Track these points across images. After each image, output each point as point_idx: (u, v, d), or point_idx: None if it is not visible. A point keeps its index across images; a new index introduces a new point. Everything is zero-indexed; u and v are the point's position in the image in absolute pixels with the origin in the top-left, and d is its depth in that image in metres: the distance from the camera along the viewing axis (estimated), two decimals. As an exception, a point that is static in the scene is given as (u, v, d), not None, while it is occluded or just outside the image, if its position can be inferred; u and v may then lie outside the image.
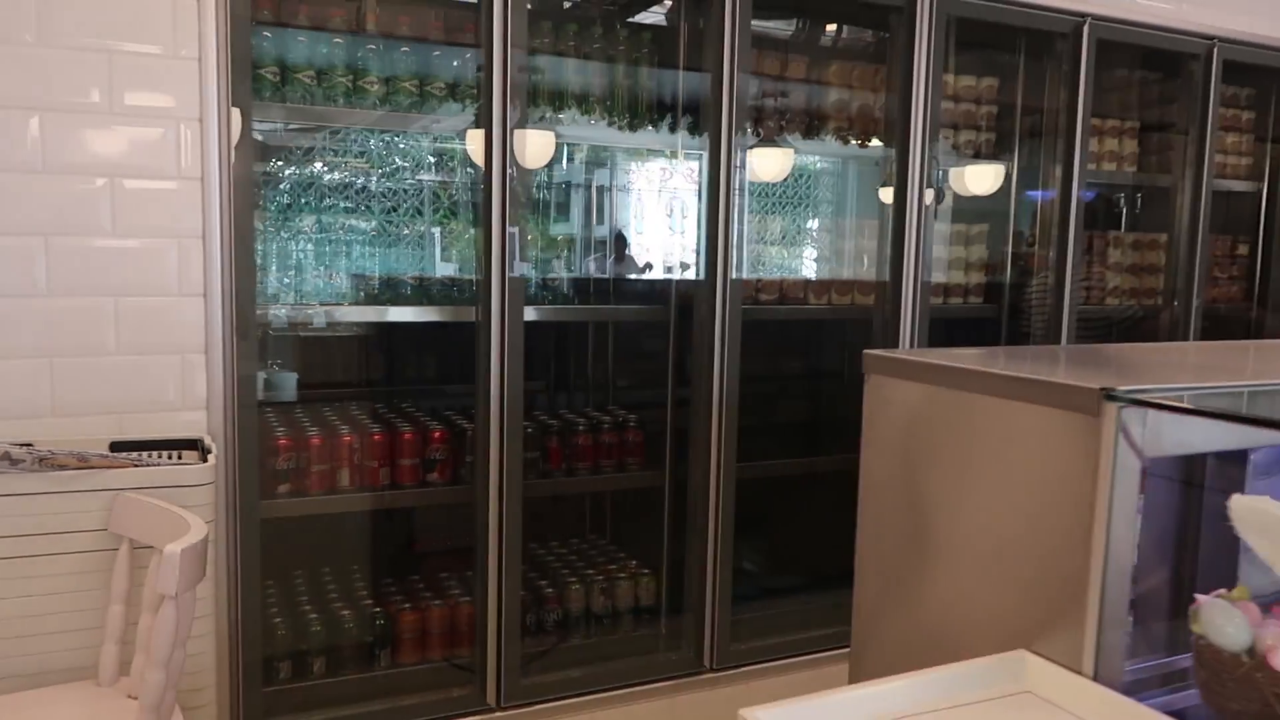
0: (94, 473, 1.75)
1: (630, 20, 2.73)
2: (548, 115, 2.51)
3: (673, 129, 2.67)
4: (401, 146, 3.07)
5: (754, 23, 2.49)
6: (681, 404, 2.67)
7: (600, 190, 3.32)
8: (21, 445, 1.75)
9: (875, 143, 2.88)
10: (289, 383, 2.74)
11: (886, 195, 2.79)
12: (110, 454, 1.84)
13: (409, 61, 2.33)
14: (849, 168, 3.65)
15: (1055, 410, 1.18)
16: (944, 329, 2.99)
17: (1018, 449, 1.26)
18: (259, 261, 2.52)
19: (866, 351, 1.54)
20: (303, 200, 2.93)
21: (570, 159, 3.28)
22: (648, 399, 2.85)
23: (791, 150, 2.86)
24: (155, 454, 1.91)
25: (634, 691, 2.51)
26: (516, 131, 2.24)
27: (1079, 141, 2.92)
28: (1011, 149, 3.12)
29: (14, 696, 1.69)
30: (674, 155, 2.96)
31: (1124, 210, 3.55)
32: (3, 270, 1.86)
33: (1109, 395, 1.11)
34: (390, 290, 2.71)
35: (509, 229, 2.24)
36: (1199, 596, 1.09)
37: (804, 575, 3.05)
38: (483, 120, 2.23)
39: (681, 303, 2.69)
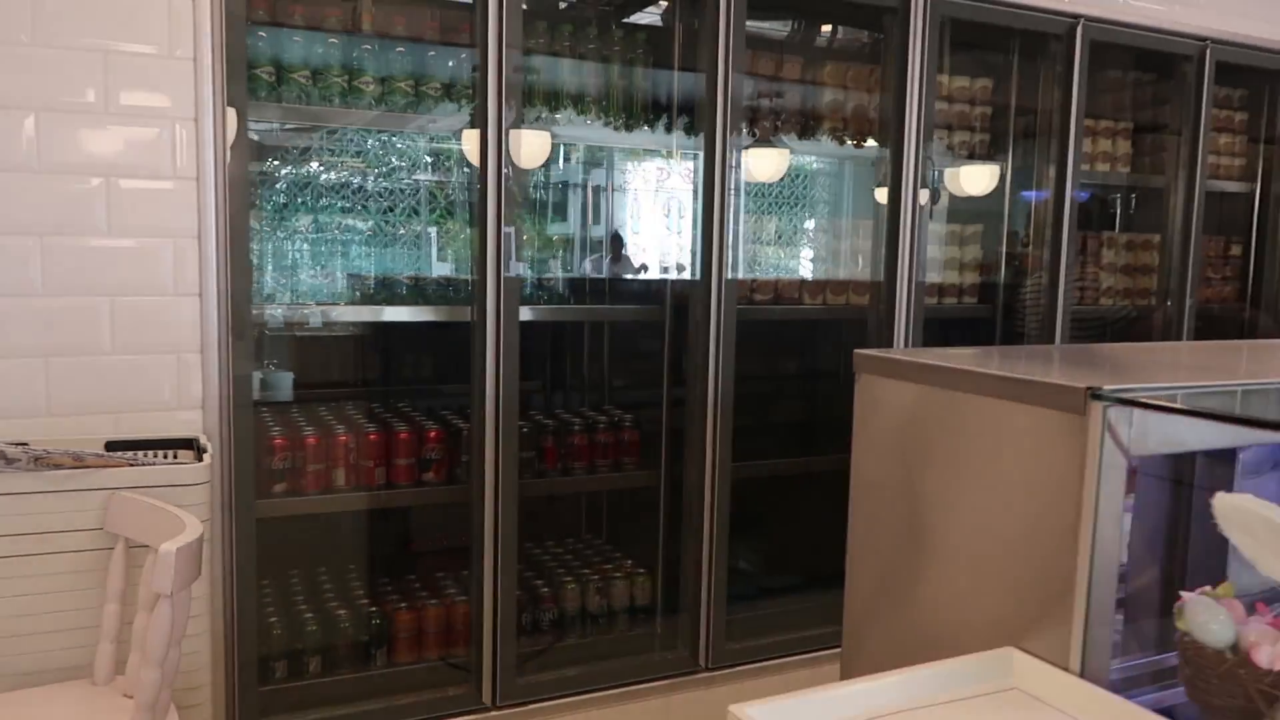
0: (89, 472, 1.75)
1: (626, 20, 2.74)
2: (544, 115, 2.51)
3: (668, 129, 2.68)
4: (398, 146, 3.07)
5: (749, 23, 2.50)
6: (677, 404, 2.67)
7: (596, 190, 3.33)
8: (17, 444, 1.75)
9: (870, 143, 2.88)
10: (285, 382, 2.74)
11: (882, 196, 2.79)
12: (106, 453, 1.84)
13: (404, 61, 2.34)
14: (845, 168, 3.66)
15: (1043, 409, 1.19)
16: (939, 329, 3.00)
17: (1007, 448, 1.27)
18: (255, 261, 2.53)
19: (857, 351, 1.55)
20: (299, 200, 2.93)
21: (566, 159, 3.28)
22: (643, 399, 2.86)
23: (787, 151, 2.87)
24: (151, 453, 1.91)
25: (629, 691, 2.52)
26: (512, 132, 2.24)
27: (1072, 142, 2.94)
28: (1006, 149, 3.13)
29: (9, 695, 1.69)
30: (670, 155, 2.97)
31: (1118, 211, 3.57)
32: (-2, 270, 1.87)
33: (1095, 394, 1.12)
34: (386, 290, 2.72)
35: (504, 229, 2.25)
36: (1184, 594, 1.10)
37: (799, 575, 3.06)
38: (478, 120, 2.24)
39: (677, 303, 2.70)
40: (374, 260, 3.05)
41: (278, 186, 2.91)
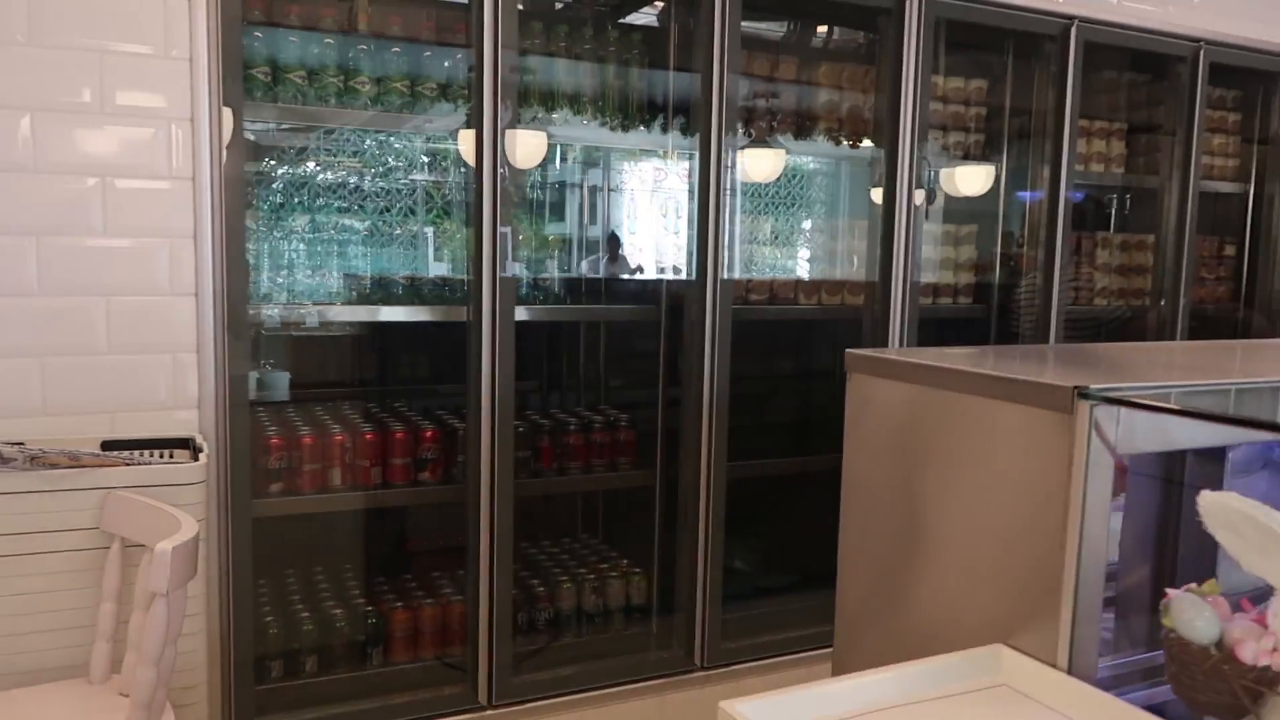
0: (86, 471, 1.75)
1: (621, 21, 2.75)
2: (540, 116, 2.52)
3: (664, 129, 2.69)
4: (395, 146, 3.08)
5: (744, 24, 2.51)
6: (673, 403, 2.68)
7: (593, 191, 3.33)
8: (13, 444, 1.75)
9: (866, 143, 2.89)
10: (281, 382, 2.74)
11: (877, 196, 2.80)
12: (102, 453, 1.85)
13: (400, 62, 2.34)
14: (841, 169, 3.67)
15: (1031, 409, 1.20)
16: (934, 329, 3.01)
17: (996, 447, 1.27)
18: (251, 261, 2.53)
19: (848, 351, 1.55)
20: (295, 200, 2.93)
21: (563, 159, 3.29)
22: (639, 398, 2.87)
23: (783, 151, 2.87)
24: (147, 453, 1.91)
25: (625, 690, 2.52)
26: (508, 132, 2.25)
27: (1067, 143, 2.95)
28: (1000, 150, 3.14)
29: (5, 694, 1.69)
30: (666, 156, 2.98)
31: (1112, 211, 3.58)
32: (-6, 269, 1.87)
33: (1082, 393, 1.13)
34: (382, 290, 2.72)
35: (500, 229, 2.25)
36: (1170, 591, 1.11)
37: (794, 574, 3.07)
38: (474, 120, 2.24)
39: (673, 303, 2.71)
40: (370, 260, 3.05)
41: (274, 186, 2.91)
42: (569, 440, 2.64)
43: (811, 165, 3.77)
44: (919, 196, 2.75)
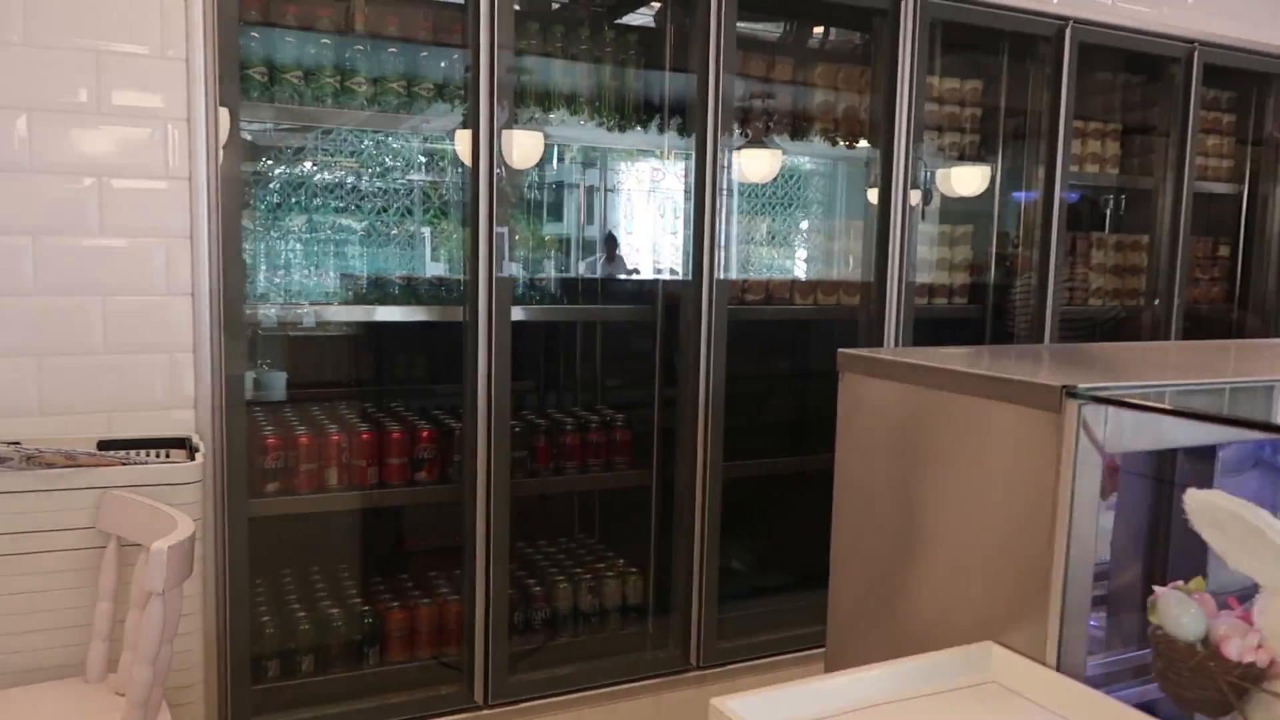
0: (82, 471, 1.76)
1: (618, 21, 2.75)
2: (536, 116, 2.52)
3: (661, 130, 2.69)
4: (392, 146, 3.08)
5: (740, 25, 2.51)
6: (669, 404, 2.68)
7: (590, 191, 3.34)
8: (9, 444, 1.76)
9: (862, 144, 2.90)
10: (278, 382, 2.74)
11: (873, 197, 2.81)
12: (98, 452, 1.85)
13: (397, 62, 2.35)
14: (838, 169, 3.67)
15: (1021, 408, 1.21)
16: (929, 329, 3.02)
17: (987, 446, 1.28)
18: (248, 261, 2.54)
19: (840, 350, 1.56)
20: (292, 200, 2.94)
21: (560, 159, 3.29)
22: (635, 399, 2.87)
23: (779, 151, 2.88)
24: (143, 452, 1.91)
25: (621, 689, 2.53)
26: (504, 132, 2.25)
27: (1061, 144, 2.96)
28: (996, 151, 3.15)
29: (2, 693, 1.70)
30: (663, 156, 2.98)
31: (1107, 212, 3.59)
32: (-10, 269, 1.87)
33: (1070, 393, 1.14)
34: (379, 290, 2.73)
35: (497, 229, 2.26)
36: (1157, 589, 1.12)
37: (790, 574, 3.08)
38: (470, 121, 2.25)
39: (669, 303, 2.71)
40: (367, 260, 3.06)
41: (271, 186, 2.91)
42: (565, 440, 2.64)
43: (808, 166, 3.78)
44: (915, 197, 2.76)
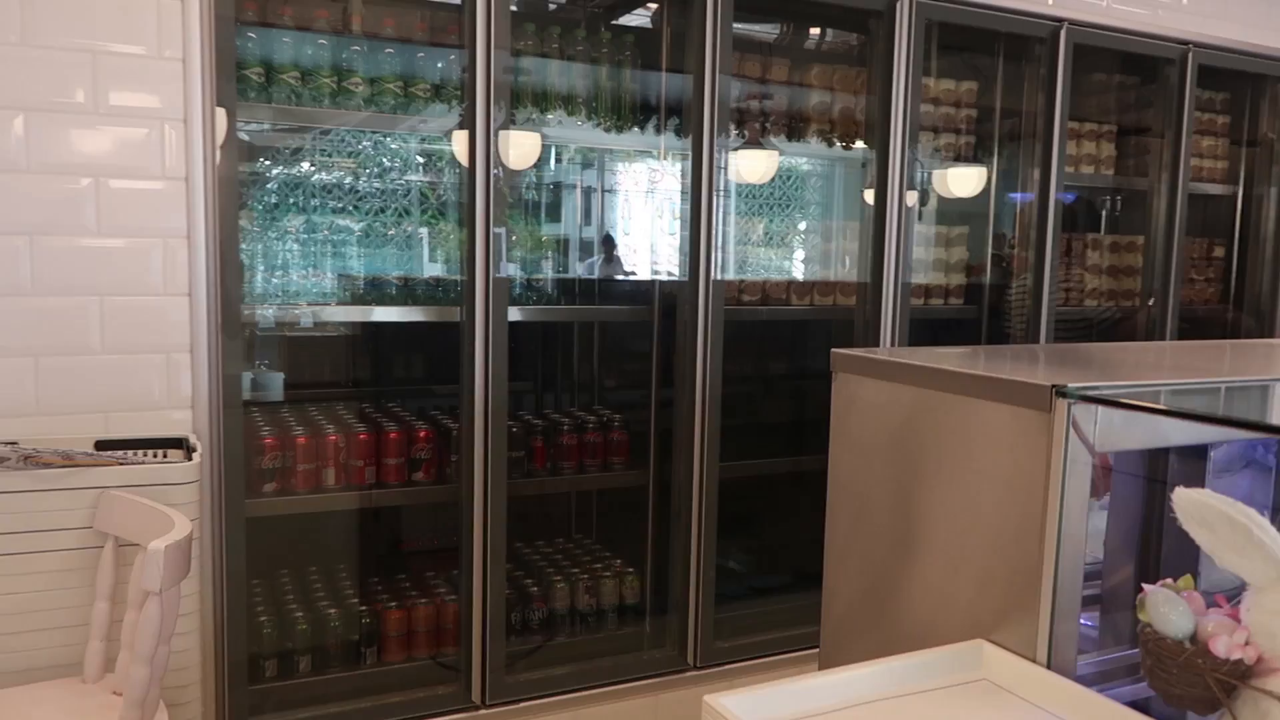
0: (79, 471, 1.76)
1: (614, 22, 2.76)
2: (533, 116, 2.53)
3: (658, 130, 2.70)
4: (390, 147, 3.08)
5: (737, 26, 2.52)
6: (666, 404, 2.69)
7: (587, 191, 3.34)
8: (6, 444, 1.76)
9: (859, 145, 2.91)
10: (275, 382, 2.75)
11: (870, 197, 2.82)
12: (95, 452, 1.85)
13: (394, 62, 2.35)
14: (835, 170, 3.68)
15: (1012, 407, 1.22)
16: (926, 329, 3.02)
17: (979, 446, 1.29)
18: (245, 261, 2.54)
19: (834, 350, 1.57)
20: (289, 200, 2.94)
21: (557, 160, 3.30)
22: (632, 399, 2.88)
23: (775, 152, 2.89)
24: (140, 452, 1.92)
25: (618, 689, 2.53)
26: (501, 133, 2.26)
27: (1057, 145, 2.97)
28: (991, 152, 3.16)
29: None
30: (660, 157, 2.99)
31: (1102, 213, 3.60)
32: (-12, 270, 1.87)
33: (1060, 392, 1.15)
34: (377, 290, 2.73)
35: (494, 230, 2.27)
36: (1145, 586, 1.12)
37: (787, 574, 3.08)
38: (467, 121, 2.25)
39: (666, 303, 2.72)
40: (365, 261, 3.06)
41: (268, 187, 2.91)
42: (562, 440, 2.65)
43: (804, 167, 3.78)
44: (911, 198, 2.77)
